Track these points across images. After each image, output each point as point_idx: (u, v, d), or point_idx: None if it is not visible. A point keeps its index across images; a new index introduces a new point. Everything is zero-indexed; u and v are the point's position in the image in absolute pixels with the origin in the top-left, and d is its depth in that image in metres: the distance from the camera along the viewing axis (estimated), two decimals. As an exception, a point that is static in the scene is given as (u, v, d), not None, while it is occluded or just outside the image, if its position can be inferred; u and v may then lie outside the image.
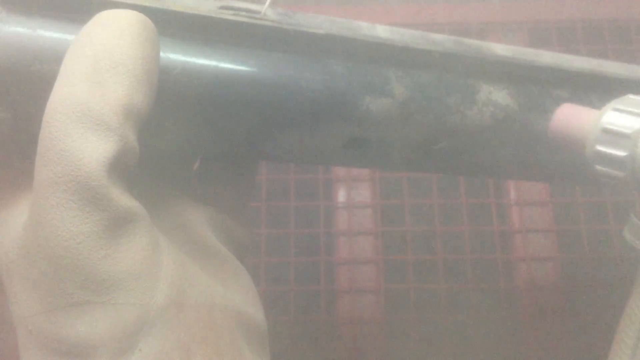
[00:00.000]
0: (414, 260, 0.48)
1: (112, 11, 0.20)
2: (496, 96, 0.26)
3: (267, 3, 0.24)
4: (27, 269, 0.19)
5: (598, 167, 0.21)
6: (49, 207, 0.18)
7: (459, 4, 0.55)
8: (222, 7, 0.24)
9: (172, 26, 0.23)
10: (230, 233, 0.27)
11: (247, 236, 0.28)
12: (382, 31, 0.26)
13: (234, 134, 0.24)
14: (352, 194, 0.50)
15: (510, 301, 0.46)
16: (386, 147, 0.26)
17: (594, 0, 0.55)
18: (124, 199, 0.19)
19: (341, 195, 0.50)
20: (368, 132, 0.25)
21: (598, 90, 0.28)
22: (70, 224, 0.18)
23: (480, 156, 0.27)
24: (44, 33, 0.21)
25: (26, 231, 0.19)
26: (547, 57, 0.28)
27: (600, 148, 0.21)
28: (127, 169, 0.20)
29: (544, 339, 0.45)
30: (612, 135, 0.21)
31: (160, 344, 0.19)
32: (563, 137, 0.23)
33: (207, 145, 0.25)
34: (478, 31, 0.54)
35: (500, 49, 0.27)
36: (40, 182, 0.18)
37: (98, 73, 0.19)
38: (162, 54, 0.22)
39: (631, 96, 0.22)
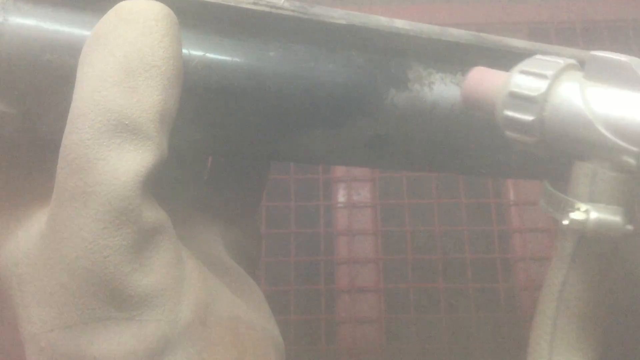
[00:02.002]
0: (414, 260, 0.48)
1: (134, 3, 0.19)
2: None
3: None
4: (44, 281, 0.18)
5: (508, 133, 0.20)
6: (76, 217, 0.17)
7: (459, 4, 0.55)
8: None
9: (188, 16, 0.21)
10: (241, 248, 0.26)
11: (256, 249, 0.28)
12: (401, 25, 0.25)
13: (253, 130, 0.23)
14: (352, 194, 0.50)
15: (510, 301, 0.47)
16: (410, 145, 0.25)
17: (593, 1, 0.55)
18: (153, 211, 0.18)
19: (341, 195, 0.50)
20: (393, 127, 0.24)
21: None
22: (98, 236, 0.17)
23: (506, 152, 0.26)
24: (54, 22, 0.20)
25: (45, 241, 0.18)
26: (568, 50, 0.27)
27: (509, 113, 0.20)
28: (157, 176, 0.19)
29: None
30: (520, 99, 0.20)
31: None
32: (474, 103, 0.21)
33: (224, 145, 0.24)
34: (478, 32, 0.54)
35: (518, 42, 0.27)
36: (67, 190, 0.17)
37: (131, 77, 0.18)
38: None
39: (539, 56, 0.21)
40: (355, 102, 0.23)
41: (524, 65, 0.20)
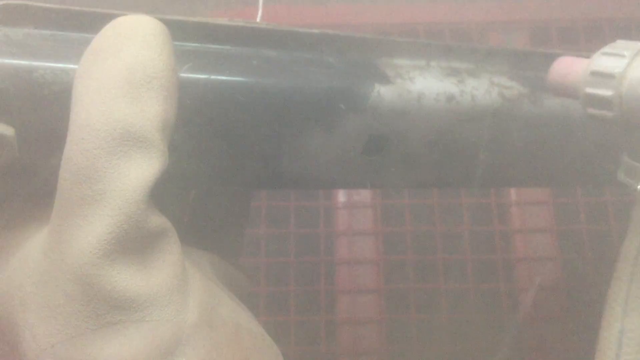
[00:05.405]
0: (414, 260, 0.47)
1: (131, 19, 0.19)
2: (498, 79, 0.27)
3: (260, 9, 0.24)
4: (49, 295, 0.18)
5: (589, 110, 0.22)
6: (83, 226, 0.17)
7: (459, 4, 0.55)
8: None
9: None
10: (230, 278, 0.26)
11: (247, 283, 0.28)
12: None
13: (243, 145, 0.23)
14: (352, 194, 0.50)
15: (511, 301, 0.46)
16: (406, 147, 0.26)
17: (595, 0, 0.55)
18: (157, 215, 0.19)
19: (341, 195, 0.50)
20: (385, 124, 0.25)
21: None
22: (105, 242, 0.17)
23: (492, 149, 0.27)
24: (46, 37, 0.20)
25: (48, 255, 0.18)
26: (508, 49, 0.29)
27: (590, 90, 0.22)
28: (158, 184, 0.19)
29: (544, 339, 0.44)
30: (600, 77, 0.21)
31: None
32: (559, 86, 0.23)
33: (210, 168, 0.24)
34: (478, 31, 0.54)
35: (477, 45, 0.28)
36: (72, 200, 0.18)
37: (134, 88, 0.18)
38: None
39: (620, 41, 0.22)
40: (344, 100, 0.24)
41: (606, 48, 0.22)
